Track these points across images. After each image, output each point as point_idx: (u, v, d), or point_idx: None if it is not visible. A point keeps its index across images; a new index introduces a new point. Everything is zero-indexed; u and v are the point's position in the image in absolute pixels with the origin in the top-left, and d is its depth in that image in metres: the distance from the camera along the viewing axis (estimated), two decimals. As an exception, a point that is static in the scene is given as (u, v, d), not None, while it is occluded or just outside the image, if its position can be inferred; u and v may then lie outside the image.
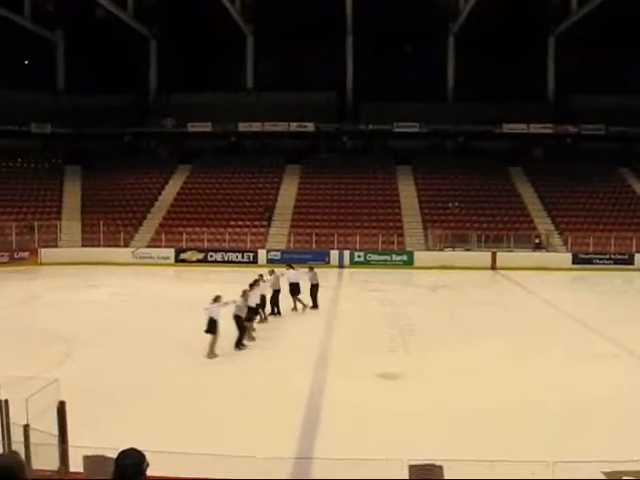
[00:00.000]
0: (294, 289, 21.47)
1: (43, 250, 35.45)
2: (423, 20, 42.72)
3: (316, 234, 36.60)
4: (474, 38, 42.50)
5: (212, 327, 15.51)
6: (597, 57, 41.79)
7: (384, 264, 35.01)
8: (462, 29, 43.00)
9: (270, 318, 20.19)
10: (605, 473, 6.90)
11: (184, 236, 36.67)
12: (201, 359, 15.32)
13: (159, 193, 41.66)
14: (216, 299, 15.81)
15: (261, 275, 19.92)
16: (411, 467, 6.69)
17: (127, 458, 3.79)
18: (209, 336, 15.51)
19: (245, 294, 16.92)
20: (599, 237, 35.77)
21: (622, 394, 12.60)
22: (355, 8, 41.13)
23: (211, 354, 15.46)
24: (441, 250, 35.93)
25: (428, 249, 36.22)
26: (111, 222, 38.00)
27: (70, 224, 38.05)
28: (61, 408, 7.98)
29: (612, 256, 34.74)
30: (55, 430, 7.86)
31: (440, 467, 6.73)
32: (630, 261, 34.38)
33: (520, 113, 42.67)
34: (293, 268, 22.04)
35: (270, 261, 33.86)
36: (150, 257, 35.61)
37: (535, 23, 43.38)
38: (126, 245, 36.59)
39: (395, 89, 43.49)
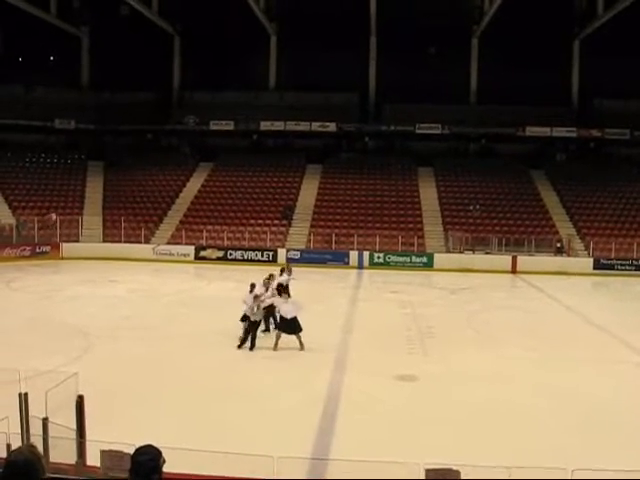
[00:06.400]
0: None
1: (64, 245, 35.73)
2: (447, 22, 42.52)
3: (336, 234, 36.57)
4: (498, 40, 42.22)
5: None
6: (622, 61, 41.26)
7: (403, 266, 34.86)
8: (486, 31, 42.71)
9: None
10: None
11: (204, 234, 36.81)
12: (218, 356, 15.37)
13: (180, 190, 41.81)
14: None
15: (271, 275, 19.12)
16: (428, 471, 6.65)
17: (144, 454, 3.80)
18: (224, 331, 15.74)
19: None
20: (621, 243, 35.41)
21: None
22: (379, 9, 41.02)
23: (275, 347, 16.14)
24: (461, 253, 35.73)
25: (448, 251, 36.03)
26: (132, 218, 38.22)
27: (92, 219, 38.32)
28: (80, 402, 8.03)
29: (634, 262, 34.36)
30: (73, 424, 7.91)
31: (457, 471, 6.69)
32: (653, 268, 34.04)
33: (543, 116, 42.36)
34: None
35: (289, 260, 33.89)
36: (170, 254, 35.75)
37: (560, 26, 43.03)
38: (146, 241, 36.78)
39: (418, 90, 43.25)
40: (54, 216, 37.24)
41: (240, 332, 16.58)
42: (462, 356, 15.87)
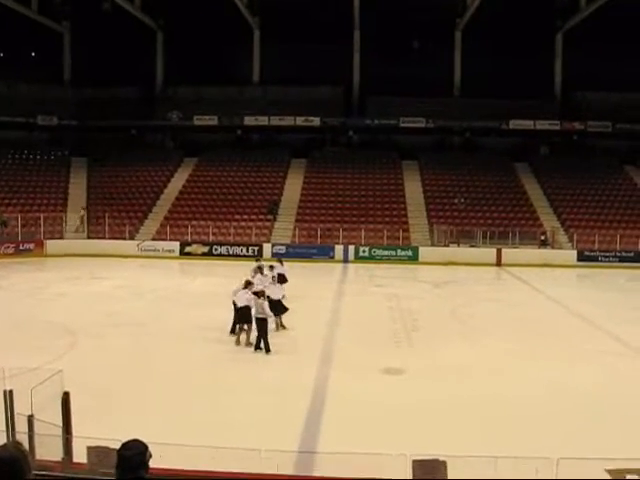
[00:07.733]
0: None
1: (48, 242, 35.50)
2: (430, 15, 42.50)
3: (321, 228, 36.59)
4: (481, 34, 42.33)
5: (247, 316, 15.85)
6: (605, 54, 41.48)
7: (389, 259, 34.97)
8: (469, 25, 42.85)
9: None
10: (609, 471, 6.88)
11: (189, 229, 36.71)
12: (204, 352, 15.34)
13: (165, 186, 41.65)
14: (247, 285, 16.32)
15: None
16: (414, 462, 6.68)
17: (130, 449, 3.79)
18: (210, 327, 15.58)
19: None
20: (605, 234, 35.67)
21: (626, 392, 12.57)
22: (363, 3, 41.01)
23: (247, 342, 15.76)
24: (446, 246, 35.85)
25: (433, 245, 36.15)
26: (116, 215, 38.02)
27: (75, 216, 38.05)
28: (65, 399, 7.99)
29: (618, 253, 34.66)
30: (59, 421, 7.88)
31: (444, 462, 6.72)
32: (636, 259, 34.22)
33: (527, 109, 42.55)
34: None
35: (275, 255, 33.87)
36: (155, 250, 35.66)
37: (543, 19, 43.20)
38: (131, 238, 36.64)
39: (402, 84, 43.25)
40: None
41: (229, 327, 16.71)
42: (448, 349, 15.94)
